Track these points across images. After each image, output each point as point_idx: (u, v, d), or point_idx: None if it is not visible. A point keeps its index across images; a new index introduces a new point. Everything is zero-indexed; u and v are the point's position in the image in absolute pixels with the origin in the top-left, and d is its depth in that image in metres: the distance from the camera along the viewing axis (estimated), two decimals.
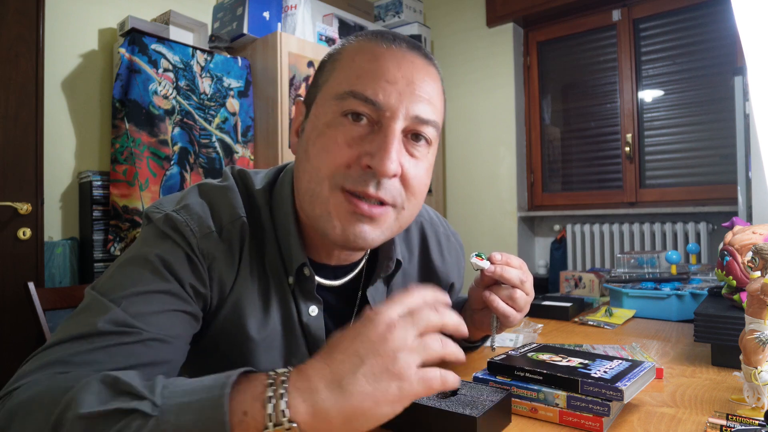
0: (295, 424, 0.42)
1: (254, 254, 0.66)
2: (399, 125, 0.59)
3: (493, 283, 0.73)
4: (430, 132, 0.62)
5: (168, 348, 0.57)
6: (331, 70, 0.63)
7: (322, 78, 0.65)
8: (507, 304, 0.72)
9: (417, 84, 0.60)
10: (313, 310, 0.69)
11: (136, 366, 0.52)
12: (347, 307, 0.75)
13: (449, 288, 0.88)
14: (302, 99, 0.69)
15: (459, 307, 0.88)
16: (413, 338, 0.46)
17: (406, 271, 0.81)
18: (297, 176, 0.65)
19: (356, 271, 0.75)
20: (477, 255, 0.72)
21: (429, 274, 0.85)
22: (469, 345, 0.90)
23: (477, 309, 0.79)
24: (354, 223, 0.60)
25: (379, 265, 0.74)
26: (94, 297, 0.56)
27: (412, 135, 0.62)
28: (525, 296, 0.72)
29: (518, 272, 0.72)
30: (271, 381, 0.44)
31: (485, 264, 0.72)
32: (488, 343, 0.97)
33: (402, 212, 0.63)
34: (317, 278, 0.69)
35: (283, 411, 0.42)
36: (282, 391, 0.43)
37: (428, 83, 0.62)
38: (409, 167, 0.61)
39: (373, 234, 0.61)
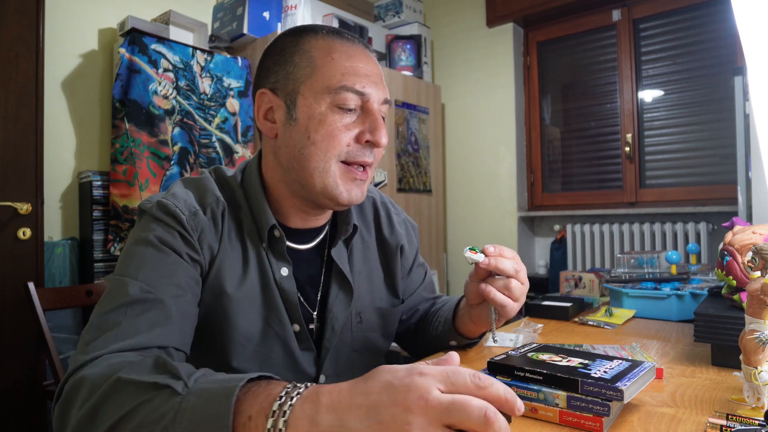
0: None
1: (233, 227, 0.78)
2: (378, 107, 0.76)
3: (487, 275, 0.78)
4: (387, 109, 0.79)
5: (186, 311, 0.68)
6: (311, 65, 0.75)
7: (299, 71, 0.75)
8: (503, 294, 0.76)
9: (377, 74, 0.77)
10: (284, 270, 0.79)
11: (170, 329, 0.65)
12: (317, 269, 0.85)
13: (400, 250, 0.95)
14: (268, 88, 0.78)
15: (452, 306, 0.92)
16: (435, 428, 0.41)
17: (365, 240, 0.92)
18: (297, 157, 0.75)
19: (322, 235, 0.86)
20: (471, 249, 0.76)
21: (382, 242, 0.94)
22: (468, 341, 0.91)
23: (474, 304, 0.83)
24: (354, 187, 0.76)
25: (339, 229, 0.86)
26: (115, 279, 0.67)
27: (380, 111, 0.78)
28: (520, 286, 0.77)
29: (512, 262, 0.76)
30: (282, 395, 0.46)
31: (480, 257, 0.75)
32: (489, 341, 0.97)
33: (372, 170, 0.80)
34: (289, 243, 0.81)
35: (281, 430, 0.43)
36: (286, 409, 0.44)
37: (380, 70, 0.79)
38: None
39: (363, 191, 0.78)
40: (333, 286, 0.84)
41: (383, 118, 0.78)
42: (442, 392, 0.42)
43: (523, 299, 0.78)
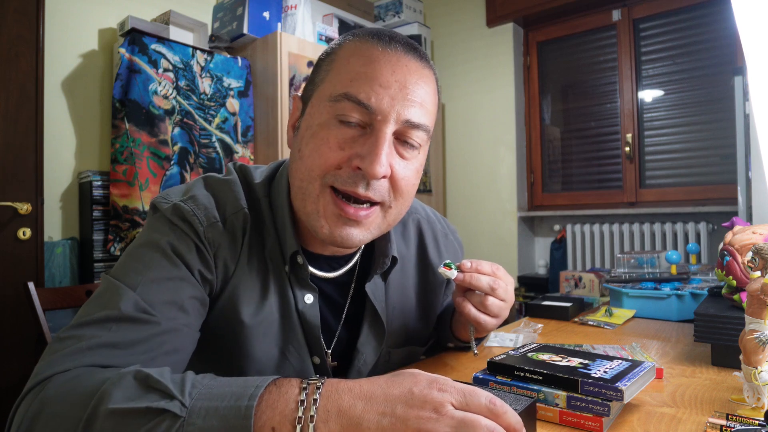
0: None
1: (254, 243, 0.69)
2: (390, 129, 0.61)
3: (467, 289, 0.73)
4: (420, 135, 0.65)
5: (182, 337, 0.60)
6: (328, 70, 0.65)
7: (318, 76, 0.67)
8: (479, 310, 0.72)
9: (410, 88, 0.62)
10: (309, 298, 0.71)
11: (156, 355, 0.56)
12: (342, 298, 0.77)
13: (446, 283, 0.90)
14: (299, 94, 0.71)
15: (450, 310, 0.90)
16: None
17: (405, 269, 0.82)
18: (291, 173, 0.68)
19: (351, 263, 0.77)
20: (445, 265, 0.72)
21: (426, 270, 0.86)
22: (462, 344, 0.91)
23: (459, 313, 0.79)
24: (341, 225, 0.63)
25: (375, 261, 0.76)
26: (112, 282, 0.59)
27: (403, 137, 0.64)
28: (498, 302, 0.72)
29: (488, 279, 0.71)
30: (302, 398, 0.45)
31: (452, 274, 0.71)
32: (489, 341, 0.97)
33: (389, 210, 0.66)
34: (312, 269, 0.72)
35: None
36: (312, 413, 0.44)
37: (421, 87, 0.64)
38: (398, 168, 0.64)
39: (360, 236, 0.64)
40: (365, 325, 0.76)
41: (411, 145, 0.64)
42: (456, 409, 0.44)
43: (503, 314, 0.74)
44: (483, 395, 0.45)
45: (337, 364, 0.77)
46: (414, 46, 0.66)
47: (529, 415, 0.55)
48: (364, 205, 0.63)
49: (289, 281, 0.70)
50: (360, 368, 0.77)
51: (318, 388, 0.46)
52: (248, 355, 0.68)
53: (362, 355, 0.76)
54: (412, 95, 0.62)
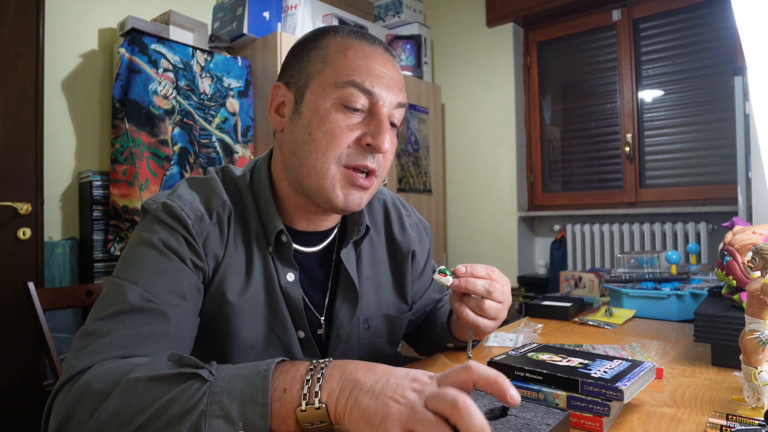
0: (324, 405, 0.49)
1: (239, 231, 0.75)
2: (387, 111, 0.73)
3: (464, 293, 0.75)
4: (402, 113, 0.77)
5: (187, 322, 0.66)
6: (323, 61, 0.73)
7: (312, 66, 0.74)
8: (477, 313, 0.74)
9: (394, 78, 0.75)
10: (290, 276, 0.77)
11: (169, 341, 0.62)
12: (326, 273, 0.83)
13: (411, 255, 0.93)
14: (283, 82, 0.77)
15: (448, 310, 0.92)
16: (421, 405, 0.45)
17: (374, 242, 0.89)
18: (298, 153, 0.73)
19: (330, 238, 0.84)
20: (439, 271, 0.73)
21: (392, 245, 0.92)
22: (462, 344, 0.91)
23: (456, 317, 0.82)
24: (353, 192, 0.73)
25: (349, 230, 0.83)
26: (114, 282, 0.65)
27: (391, 117, 0.75)
28: (495, 305, 0.74)
29: (484, 282, 0.73)
30: (311, 367, 0.51)
31: (447, 280, 0.73)
32: (489, 341, 0.97)
33: (379, 180, 0.76)
34: (295, 245, 0.78)
35: (316, 392, 0.49)
36: (319, 375, 0.50)
37: (399, 75, 0.76)
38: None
39: (363, 199, 0.75)
40: (339, 291, 0.82)
41: (394, 125, 0.76)
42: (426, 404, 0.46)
43: (501, 316, 0.76)
44: (451, 396, 0.43)
45: (324, 334, 0.82)
46: (384, 43, 0.79)
47: (563, 429, 0.53)
48: (369, 177, 0.74)
49: (272, 261, 0.76)
50: (338, 333, 0.82)
51: (324, 367, 0.51)
52: (237, 334, 0.73)
53: (338, 320, 0.82)
54: (397, 83, 0.75)
